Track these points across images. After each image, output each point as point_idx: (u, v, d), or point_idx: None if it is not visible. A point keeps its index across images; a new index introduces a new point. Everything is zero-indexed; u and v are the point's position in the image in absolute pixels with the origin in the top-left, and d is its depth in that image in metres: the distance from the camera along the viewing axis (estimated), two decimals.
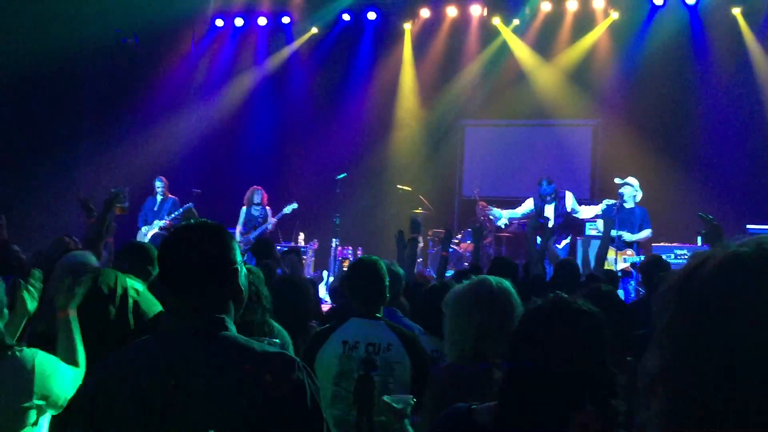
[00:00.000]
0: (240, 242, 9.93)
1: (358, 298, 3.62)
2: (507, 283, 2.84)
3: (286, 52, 13.29)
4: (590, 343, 1.83)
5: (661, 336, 1.03)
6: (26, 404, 2.66)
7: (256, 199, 10.67)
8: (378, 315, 3.56)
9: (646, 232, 9.15)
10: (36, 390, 2.66)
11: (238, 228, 10.67)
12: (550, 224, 9.49)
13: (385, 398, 2.69)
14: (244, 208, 10.76)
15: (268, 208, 10.73)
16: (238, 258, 1.94)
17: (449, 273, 10.85)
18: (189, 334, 1.83)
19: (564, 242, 9.82)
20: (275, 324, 3.49)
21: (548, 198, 9.84)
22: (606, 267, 7.15)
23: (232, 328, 1.88)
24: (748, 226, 9.98)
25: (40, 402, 2.69)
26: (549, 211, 9.88)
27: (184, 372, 1.78)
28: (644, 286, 5.90)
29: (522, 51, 12.40)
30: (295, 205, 10.56)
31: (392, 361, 3.39)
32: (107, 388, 1.83)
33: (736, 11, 10.98)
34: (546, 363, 1.76)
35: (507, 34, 12.36)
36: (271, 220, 10.61)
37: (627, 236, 8.96)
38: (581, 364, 1.79)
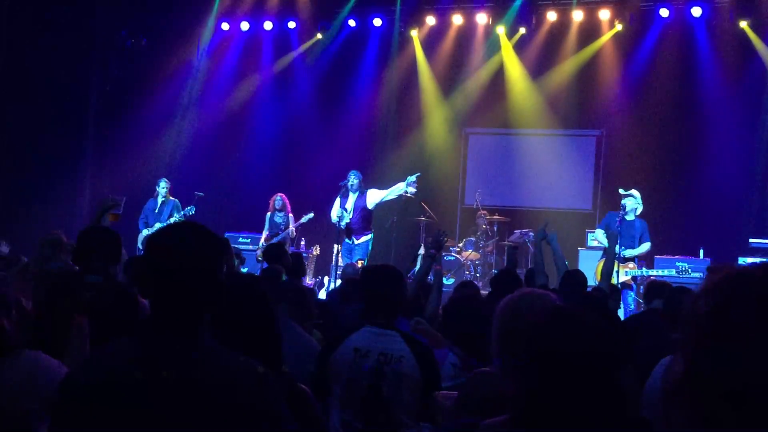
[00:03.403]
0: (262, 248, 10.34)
1: (373, 306, 3.55)
2: None
3: (292, 56, 13.30)
4: (598, 354, 1.82)
5: (691, 347, 1.11)
6: (28, 407, 2.60)
7: (278, 205, 10.90)
8: (392, 325, 3.50)
9: (645, 246, 9.12)
10: (38, 393, 2.59)
11: (264, 234, 10.94)
12: (348, 218, 9.89)
13: None
14: (268, 214, 11.03)
15: (290, 215, 10.93)
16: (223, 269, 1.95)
17: (450, 281, 10.85)
18: (169, 341, 1.81)
19: (364, 238, 10.05)
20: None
21: (352, 189, 10.13)
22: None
23: (209, 339, 1.87)
24: (751, 240, 9.95)
25: (43, 405, 2.64)
26: (350, 202, 10.13)
27: (162, 377, 1.77)
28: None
29: (525, 61, 12.39)
30: (311, 215, 10.81)
31: (402, 373, 3.33)
32: (84, 389, 1.81)
33: (744, 24, 10.93)
34: (557, 376, 1.74)
35: (508, 44, 12.33)
36: (291, 229, 10.83)
37: (626, 252, 8.95)
38: (589, 375, 1.78)
